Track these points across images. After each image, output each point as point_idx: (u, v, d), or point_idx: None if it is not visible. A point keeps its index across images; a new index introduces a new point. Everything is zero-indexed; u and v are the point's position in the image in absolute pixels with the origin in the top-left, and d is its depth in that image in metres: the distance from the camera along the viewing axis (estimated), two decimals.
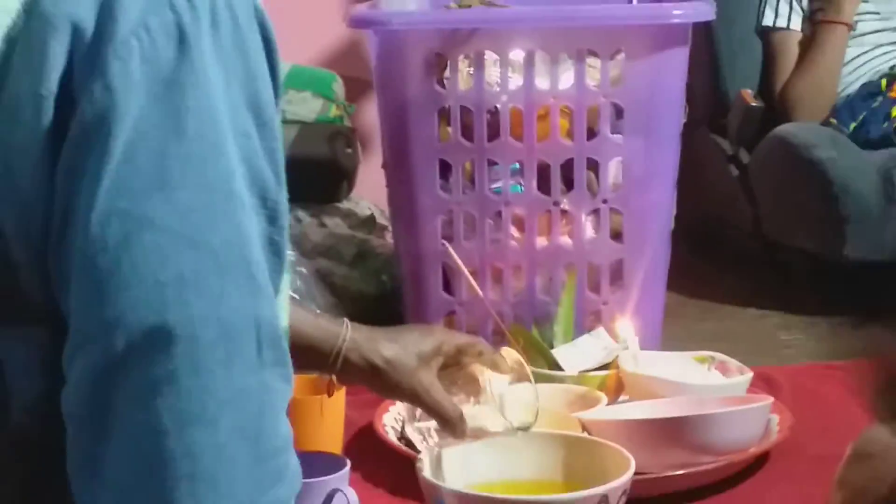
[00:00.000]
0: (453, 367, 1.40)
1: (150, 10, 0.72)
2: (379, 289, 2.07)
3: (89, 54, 0.72)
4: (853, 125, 2.22)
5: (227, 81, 0.74)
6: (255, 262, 0.74)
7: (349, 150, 2.26)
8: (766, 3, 2.39)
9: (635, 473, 1.29)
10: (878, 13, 2.32)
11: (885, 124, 2.16)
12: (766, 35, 2.40)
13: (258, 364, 0.73)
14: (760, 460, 1.50)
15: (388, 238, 2.08)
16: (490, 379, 1.35)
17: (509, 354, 1.40)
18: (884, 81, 2.22)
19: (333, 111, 2.32)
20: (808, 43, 2.33)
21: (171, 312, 0.70)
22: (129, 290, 0.70)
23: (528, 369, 1.37)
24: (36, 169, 0.73)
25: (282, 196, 0.77)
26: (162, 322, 0.70)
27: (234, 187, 0.73)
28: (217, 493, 0.71)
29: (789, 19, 2.36)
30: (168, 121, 0.72)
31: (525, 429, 1.33)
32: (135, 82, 0.71)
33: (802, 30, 2.36)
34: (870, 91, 2.24)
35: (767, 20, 2.38)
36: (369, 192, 2.32)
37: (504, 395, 1.34)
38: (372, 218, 2.24)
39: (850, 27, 2.30)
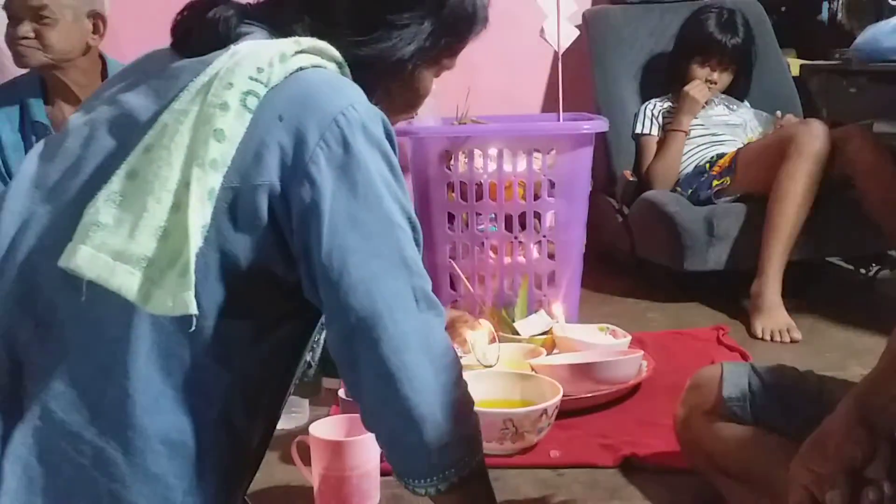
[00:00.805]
0: (451, 330, 1.41)
1: (324, 129, 0.72)
2: None
3: (295, 165, 0.72)
4: (689, 191, 2.22)
5: (375, 159, 0.74)
6: (409, 257, 0.74)
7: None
8: (636, 119, 2.40)
9: (563, 396, 1.30)
10: (702, 124, 2.32)
11: (709, 191, 2.16)
12: (637, 138, 2.39)
13: (418, 310, 0.73)
14: (636, 388, 1.50)
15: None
16: (473, 339, 1.37)
17: (484, 324, 1.42)
18: (707, 164, 2.22)
19: None
20: (662, 143, 2.32)
21: (376, 298, 0.72)
22: (351, 290, 0.71)
23: (495, 333, 1.39)
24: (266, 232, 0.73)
25: (414, 213, 0.78)
26: (372, 304, 0.71)
27: (393, 219, 0.74)
28: (420, 380, 0.72)
29: (650, 128, 2.36)
30: (348, 190, 0.73)
31: (492, 365, 1.35)
32: (325, 174, 0.72)
33: (658, 135, 2.36)
34: (699, 171, 2.24)
35: (637, 129, 2.38)
36: None
37: (480, 347, 1.35)
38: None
39: (686, 133, 2.29)
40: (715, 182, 2.14)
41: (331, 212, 0.72)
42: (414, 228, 0.77)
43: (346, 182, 0.72)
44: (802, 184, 1.88)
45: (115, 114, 0.76)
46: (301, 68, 0.74)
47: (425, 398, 0.73)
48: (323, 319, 0.77)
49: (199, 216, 0.69)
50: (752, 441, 0.96)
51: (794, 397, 0.98)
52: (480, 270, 1.87)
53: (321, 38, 0.77)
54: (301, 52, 0.75)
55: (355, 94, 0.75)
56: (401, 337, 0.72)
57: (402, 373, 0.72)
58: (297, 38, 0.76)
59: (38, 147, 0.79)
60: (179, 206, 0.68)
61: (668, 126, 2.30)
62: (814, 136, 1.90)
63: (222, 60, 0.73)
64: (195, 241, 0.68)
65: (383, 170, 0.75)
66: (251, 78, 0.71)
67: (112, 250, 0.67)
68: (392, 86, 0.84)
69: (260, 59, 0.72)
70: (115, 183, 0.69)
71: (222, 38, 0.77)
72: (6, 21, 1.66)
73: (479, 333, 1.42)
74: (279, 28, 0.78)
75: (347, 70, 0.79)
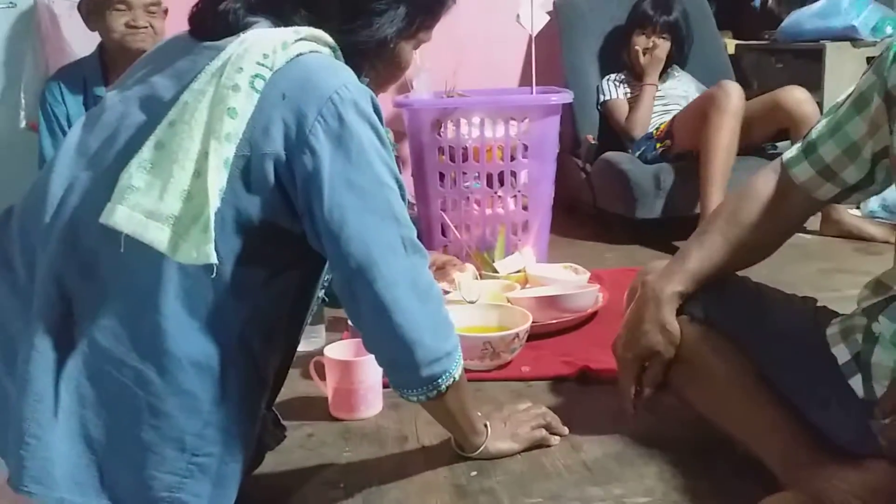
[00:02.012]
0: (442, 270, 1.42)
1: (322, 106, 0.72)
2: None
3: (297, 137, 0.71)
4: (638, 153, 2.20)
5: (365, 130, 0.73)
6: (397, 211, 0.74)
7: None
8: (600, 91, 2.37)
9: (532, 323, 1.31)
10: (660, 92, 2.28)
11: (654, 152, 2.15)
12: (604, 105, 2.34)
13: (406, 255, 0.74)
14: (593, 316, 1.51)
15: (415, 209, 2.05)
16: (459, 279, 1.37)
17: (469, 267, 1.43)
18: (654, 131, 2.20)
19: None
20: (635, 99, 2.27)
21: (370, 246, 0.72)
22: (350, 240, 0.72)
23: (477, 274, 1.39)
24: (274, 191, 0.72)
25: (399, 174, 0.77)
26: (367, 251, 0.72)
27: (383, 179, 0.74)
28: (409, 310, 0.73)
29: (616, 93, 2.32)
30: (343, 157, 0.72)
31: (474, 302, 1.35)
32: (323, 144, 0.72)
33: (623, 97, 2.31)
34: (647, 136, 2.22)
35: (604, 97, 2.34)
36: (406, 187, 2.29)
37: (465, 286, 1.36)
38: (407, 200, 2.21)
39: (656, 86, 2.25)
40: (658, 145, 2.13)
41: (330, 176, 0.72)
42: (400, 186, 0.76)
43: (342, 150, 0.72)
44: (724, 135, 1.88)
45: (145, 92, 0.76)
46: (300, 54, 0.73)
47: (414, 324, 0.74)
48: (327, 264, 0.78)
49: (217, 181, 0.69)
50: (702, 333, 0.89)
51: (735, 298, 0.91)
52: (466, 220, 1.86)
53: (316, 26, 0.77)
54: (300, 39, 0.74)
55: (347, 75, 0.75)
56: (392, 277, 0.73)
57: (394, 305, 0.73)
58: (296, 27, 0.75)
59: (82, 119, 0.79)
60: (200, 173, 0.68)
61: (642, 82, 2.26)
62: (729, 94, 1.91)
63: (233, 47, 0.72)
64: (214, 202, 0.68)
65: (372, 139, 0.74)
66: (258, 63, 0.71)
67: (145, 209, 0.67)
68: (377, 63, 0.83)
69: (265, 46, 0.72)
70: (146, 152, 0.69)
71: (232, 27, 0.76)
72: (89, 11, 1.69)
73: (465, 275, 1.43)
74: (280, 18, 0.77)
75: (340, 53, 0.78)
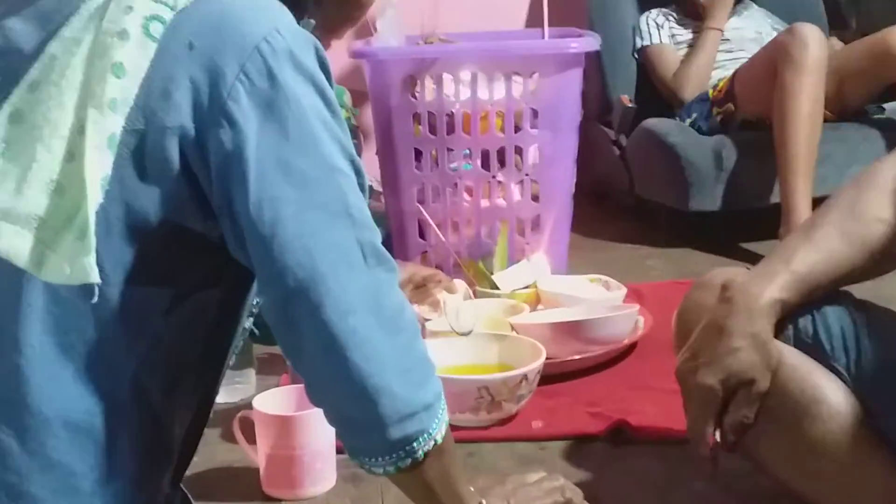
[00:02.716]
0: (422, 289, 1.42)
1: (245, 59, 0.71)
2: None
3: (211, 103, 0.71)
4: (690, 120, 2.22)
5: (307, 92, 0.74)
6: (353, 206, 0.75)
7: (356, 141, 2.26)
8: (637, 33, 2.38)
9: (546, 359, 1.31)
10: (727, 38, 2.29)
11: (707, 121, 2.16)
12: (643, 52, 2.35)
13: (366, 267, 0.74)
14: (631, 348, 1.52)
15: (381, 200, 2.06)
16: (446, 299, 1.37)
17: (459, 284, 1.43)
18: (711, 90, 2.21)
19: (344, 114, 2.29)
20: (689, 46, 2.29)
21: (316, 256, 0.72)
22: (287, 248, 0.72)
23: (471, 293, 1.39)
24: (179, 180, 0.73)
25: (356, 154, 0.78)
26: (312, 263, 0.72)
27: (332, 162, 0.74)
28: (370, 345, 0.74)
29: (658, 37, 2.33)
30: (276, 131, 0.72)
31: (467, 333, 1.36)
32: (247, 113, 0.72)
33: (669, 43, 2.32)
34: (701, 96, 2.23)
35: (642, 42, 2.35)
36: (369, 170, 2.30)
37: (454, 310, 1.36)
38: (370, 187, 2.23)
39: (722, 32, 2.26)
40: (715, 110, 2.13)
41: (257, 158, 0.72)
42: (357, 172, 0.77)
43: (274, 121, 0.72)
44: (804, 100, 1.86)
45: None
46: None
47: (377, 366, 0.74)
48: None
49: (98, 166, 0.68)
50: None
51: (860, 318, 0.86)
52: (453, 216, 1.87)
53: None
54: None
55: (280, 15, 0.74)
56: (346, 298, 0.73)
57: (349, 339, 0.73)
58: None
59: None
60: (74, 155, 0.68)
61: (704, 25, 2.25)
62: (805, 43, 1.88)
63: None
64: (94, 197, 0.68)
65: (318, 105, 0.74)
66: (155, 0, 0.70)
67: None
68: None
69: None
70: None
71: None
72: None
73: (452, 295, 1.43)
74: None
75: None
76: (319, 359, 0.74)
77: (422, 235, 1.88)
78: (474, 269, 1.73)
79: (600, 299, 1.63)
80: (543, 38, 1.97)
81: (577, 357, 1.43)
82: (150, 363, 0.75)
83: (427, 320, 1.41)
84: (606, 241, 2.19)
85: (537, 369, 1.29)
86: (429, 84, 1.82)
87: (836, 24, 2.18)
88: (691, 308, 0.97)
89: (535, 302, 1.64)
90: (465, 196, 1.87)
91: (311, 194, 0.73)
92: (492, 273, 1.74)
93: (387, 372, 0.74)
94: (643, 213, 2.30)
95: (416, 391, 0.77)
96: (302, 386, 1.04)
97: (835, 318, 0.88)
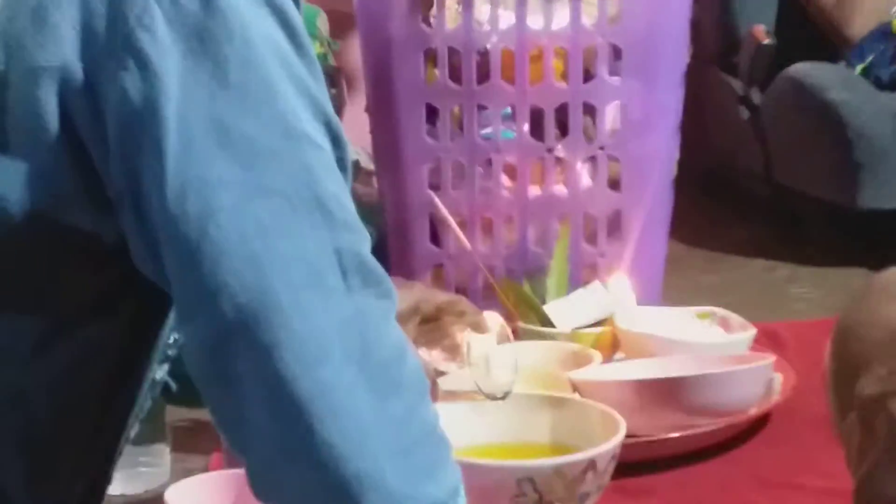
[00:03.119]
0: (434, 325, 1.42)
1: None
2: None
3: (109, 32, 0.72)
4: (861, 66, 2.20)
5: (259, 17, 0.75)
6: (328, 195, 0.76)
7: (334, 92, 2.27)
8: None
9: (627, 436, 1.30)
10: None
11: (892, 67, 2.15)
12: None
13: (346, 290, 0.75)
14: (761, 422, 1.51)
15: (374, 185, 2.08)
16: (470, 341, 1.37)
17: (492, 318, 1.43)
18: (894, 22, 2.20)
19: (317, 48, 2.31)
20: None
21: (267, 271, 0.73)
22: (222, 258, 0.73)
23: (510, 333, 1.39)
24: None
25: (334, 114, 0.79)
26: (260, 282, 0.73)
27: (294, 125, 0.75)
28: (350, 413, 0.75)
29: None
30: (210, 76, 0.73)
31: (503, 397, 1.35)
32: (167, 48, 0.72)
33: None
34: (882, 31, 2.22)
35: None
36: (355, 136, 2.31)
37: (481, 359, 1.36)
38: (356, 164, 2.24)
39: None
40: None
41: (180, 117, 0.73)
42: (336, 141, 0.78)
43: (207, 62, 0.73)
44: None
45: None
46: None
47: (361, 444, 0.75)
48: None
49: None
50: None
51: None
52: (485, 210, 1.88)
53: None
54: None
55: None
56: (315, 338, 0.74)
57: (318, 402, 0.74)
58: None
59: None
60: None
61: None
62: None
63: None
64: None
65: (275, 37, 0.75)
66: None
67: None
68: None
69: None
70: None
71: None
72: None
73: (481, 336, 1.43)
74: None
75: None
76: (271, 431, 0.75)
77: (435, 240, 1.89)
78: (516, 295, 1.73)
79: (714, 345, 1.62)
80: None
81: (675, 435, 1.43)
82: (10, 437, 0.76)
83: (441, 374, 1.42)
84: (725, 255, 2.21)
85: (612, 453, 1.27)
86: (451, 4, 1.83)
87: None
88: (864, 323, 0.99)
89: (611, 348, 1.63)
90: (504, 181, 1.88)
91: (261, 175, 0.74)
92: (543, 301, 1.74)
93: (376, 453, 0.75)
94: (784, 211, 2.31)
95: (420, 483, 0.77)
96: (241, 472, 1.06)
97: None
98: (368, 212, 2.09)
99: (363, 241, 0.78)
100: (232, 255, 0.73)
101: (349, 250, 0.76)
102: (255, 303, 0.73)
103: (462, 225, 1.84)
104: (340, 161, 0.78)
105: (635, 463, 1.36)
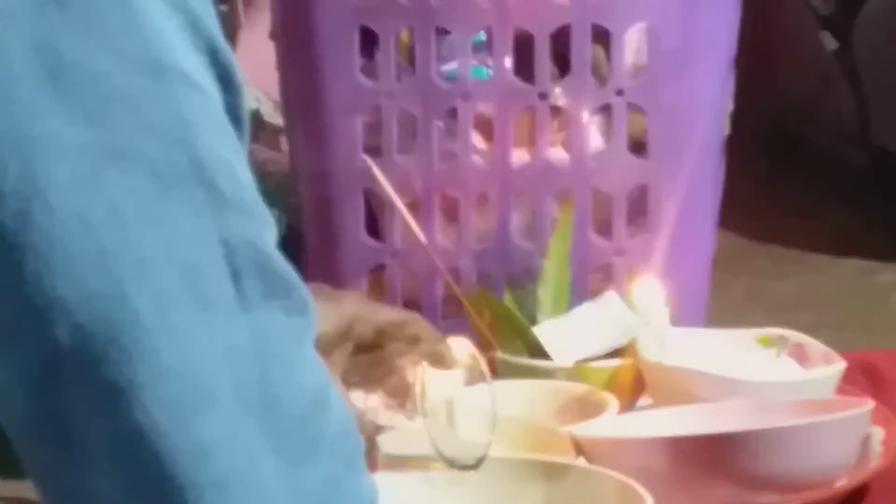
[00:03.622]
0: (373, 356, 1.42)
1: None
2: None
3: None
4: None
5: None
6: (213, 161, 0.78)
7: (222, 7, 2.26)
8: None
9: None
10: None
11: None
12: None
13: (240, 305, 0.77)
14: (853, 498, 1.52)
15: (284, 147, 2.09)
16: (425, 381, 1.37)
17: (459, 345, 1.43)
18: None
19: None
20: None
21: (118, 276, 0.75)
22: (55, 256, 0.75)
23: (484, 368, 1.39)
24: None
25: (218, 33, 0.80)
26: (112, 291, 0.75)
27: (162, 56, 0.76)
28: (246, 487, 0.78)
29: None
30: None
31: (472, 464, 1.35)
32: None
33: None
34: None
35: None
36: (255, 75, 2.31)
37: (445, 406, 1.36)
38: (256, 116, 2.23)
39: None
40: None
41: None
42: (226, 82, 0.79)
43: None
44: None
45: None
46: None
47: None
48: None
49: None
50: None
51: None
52: (448, 185, 1.90)
53: None
54: None
55: None
56: (190, 376, 0.76)
57: (193, 469, 0.77)
58: None
59: None
60: None
61: None
62: None
63: None
64: None
65: None
66: None
67: None
68: None
69: None
70: None
71: None
72: None
73: (442, 374, 1.43)
74: None
75: None
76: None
77: (373, 230, 1.91)
78: (493, 312, 1.75)
79: (784, 384, 1.64)
80: None
81: None
82: None
83: (382, 429, 1.43)
84: (801, 252, 2.23)
85: None
86: None
87: None
88: None
89: (633, 390, 1.66)
90: (476, 141, 1.90)
91: (114, 131, 0.75)
92: (534, 322, 1.76)
93: None
94: (888, 187, 2.32)
95: None
96: None
97: None
98: (275, 187, 2.09)
99: (265, 229, 0.80)
100: (69, 253, 0.75)
101: (244, 243, 0.78)
102: (101, 323, 0.75)
103: (413, 207, 1.83)
104: (232, 110, 0.80)
105: None
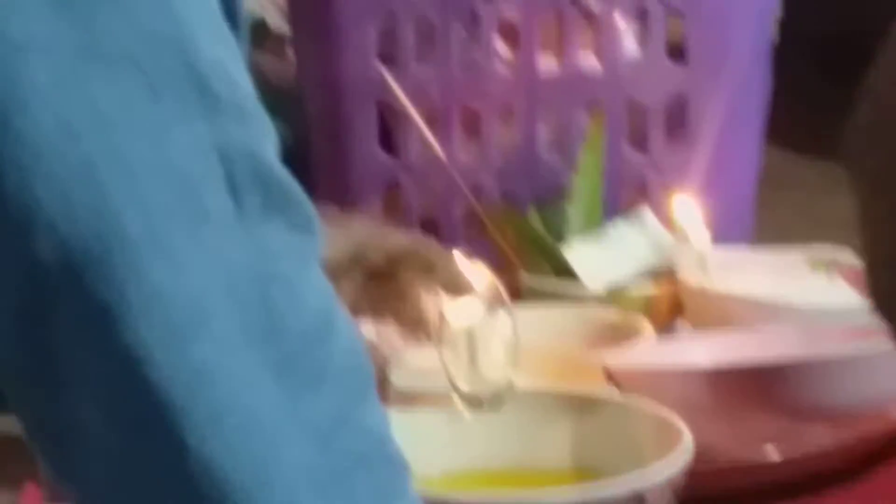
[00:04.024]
0: (386, 283, 1.43)
1: None
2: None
3: None
4: None
5: None
6: (208, 63, 0.81)
7: None
8: None
9: (696, 456, 1.30)
10: None
11: None
12: None
13: (238, 218, 0.80)
14: None
15: (290, 56, 2.10)
16: (443, 310, 1.37)
17: (479, 270, 1.42)
18: None
19: None
20: None
21: (105, 184, 0.78)
22: (37, 166, 0.77)
23: (505, 294, 1.39)
24: None
25: None
26: (96, 205, 0.77)
27: None
28: (245, 415, 0.80)
29: None
30: None
31: (493, 400, 1.35)
32: None
33: None
34: None
35: None
36: None
37: (464, 337, 1.36)
38: (262, 25, 2.24)
39: None
40: None
41: None
42: None
43: None
44: None
45: None
46: None
47: (258, 467, 0.80)
48: None
49: None
50: None
51: None
52: (469, 97, 1.91)
53: None
54: None
55: None
56: (183, 296, 0.78)
57: (187, 399, 0.78)
58: None
59: None
60: None
61: None
62: None
63: None
64: None
65: None
66: None
67: None
68: None
69: None
70: None
71: None
72: None
73: (461, 302, 1.43)
74: None
75: None
76: (113, 445, 0.79)
77: (387, 144, 1.92)
78: (517, 233, 1.78)
79: (835, 310, 1.64)
80: None
81: (774, 458, 1.44)
82: None
83: (392, 362, 1.44)
84: None
85: (670, 482, 1.28)
86: None
87: None
88: None
89: (670, 316, 1.67)
90: (500, 47, 1.89)
91: (97, 29, 0.77)
92: (562, 241, 1.76)
93: (284, 482, 0.80)
94: None
95: None
96: None
97: None
98: (278, 97, 2.08)
99: (265, 139, 0.83)
100: (51, 163, 0.77)
101: (242, 152, 0.81)
102: (87, 239, 0.77)
103: (431, 120, 1.85)
104: (229, 8, 0.81)
105: (709, 498, 1.37)
